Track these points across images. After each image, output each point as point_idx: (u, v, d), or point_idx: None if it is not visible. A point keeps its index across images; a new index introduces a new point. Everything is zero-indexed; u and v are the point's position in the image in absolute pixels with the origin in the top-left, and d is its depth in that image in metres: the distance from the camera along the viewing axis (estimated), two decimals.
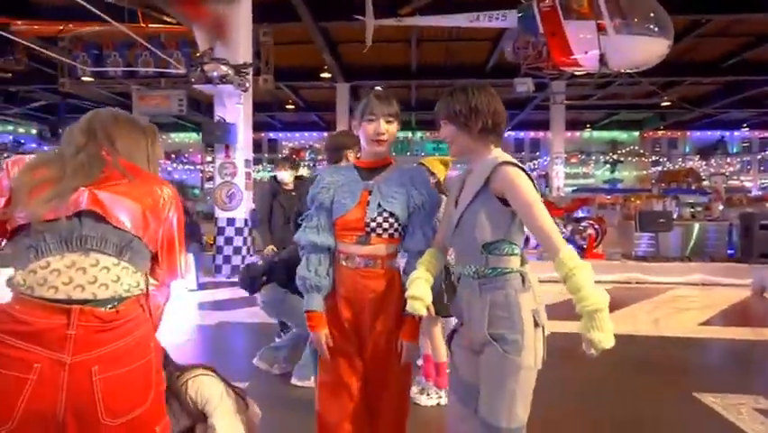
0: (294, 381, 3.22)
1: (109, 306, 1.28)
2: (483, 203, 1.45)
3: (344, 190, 1.70)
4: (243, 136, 7.38)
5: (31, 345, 1.21)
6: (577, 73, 8.26)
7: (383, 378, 1.68)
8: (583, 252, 7.82)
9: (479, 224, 1.45)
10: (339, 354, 1.69)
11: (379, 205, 1.65)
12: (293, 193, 4.09)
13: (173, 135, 17.29)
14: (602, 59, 6.56)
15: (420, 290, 1.54)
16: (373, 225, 1.64)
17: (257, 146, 16.72)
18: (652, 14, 6.40)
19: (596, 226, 7.85)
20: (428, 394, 2.98)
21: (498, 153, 1.51)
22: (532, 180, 1.43)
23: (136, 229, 1.34)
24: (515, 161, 1.46)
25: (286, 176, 4.16)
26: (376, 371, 1.69)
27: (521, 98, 11.65)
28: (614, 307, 6.73)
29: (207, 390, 1.75)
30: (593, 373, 3.57)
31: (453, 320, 1.75)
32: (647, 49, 6.53)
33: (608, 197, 12.43)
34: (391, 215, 1.65)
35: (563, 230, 8.10)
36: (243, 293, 3.41)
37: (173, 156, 16.63)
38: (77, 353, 1.22)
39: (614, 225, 8.92)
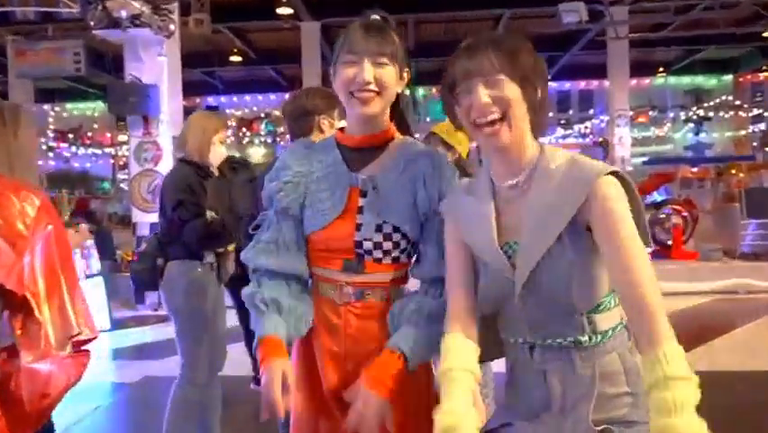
0: None
1: None
2: (575, 243, 1.30)
3: (322, 188, 1.59)
4: (170, 103, 7.27)
5: None
6: None
7: None
8: (668, 250, 7.73)
9: (577, 280, 1.31)
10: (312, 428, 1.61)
11: (378, 215, 1.54)
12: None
13: (69, 106, 17.02)
14: None
15: (456, 405, 1.33)
16: (368, 245, 1.54)
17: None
18: None
19: (683, 213, 7.84)
20: None
21: (552, 149, 1.39)
22: (634, 194, 1.35)
23: None
24: (619, 169, 1.33)
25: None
26: None
27: (564, 33, 11.51)
28: (718, 329, 6.66)
29: None
30: None
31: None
32: None
33: (694, 169, 12.43)
34: (396, 230, 1.54)
35: None
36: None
37: (71, 136, 16.36)
38: None
39: (707, 209, 8.89)
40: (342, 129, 1.67)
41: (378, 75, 1.49)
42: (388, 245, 1.54)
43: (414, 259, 1.62)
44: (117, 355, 5.70)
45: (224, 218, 2.93)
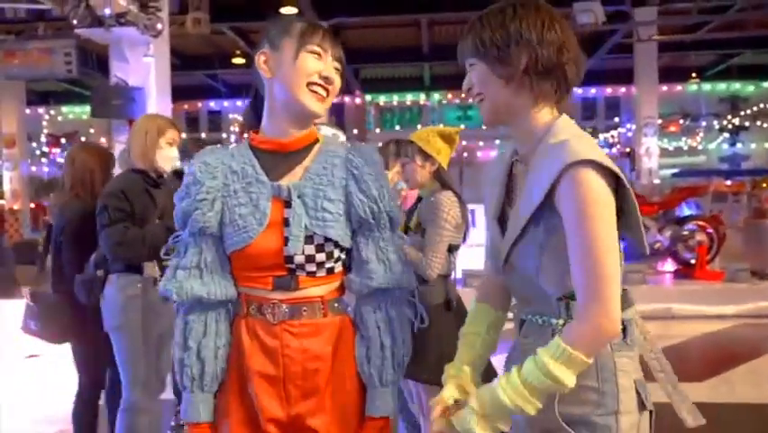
0: None
1: None
2: (550, 228, 1.35)
3: (241, 202, 1.55)
4: (158, 106, 7.26)
5: None
6: None
7: None
8: (691, 269, 7.63)
9: (544, 265, 1.36)
10: None
11: (306, 228, 1.52)
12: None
13: (65, 110, 17.27)
14: None
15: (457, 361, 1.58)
16: (300, 259, 1.53)
17: (192, 122, 16.79)
18: None
19: (708, 230, 7.78)
20: None
21: (564, 124, 1.40)
22: (626, 192, 1.34)
23: None
24: (598, 155, 1.30)
25: None
26: None
27: (588, 36, 11.43)
28: (740, 357, 6.55)
29: None
30: None
31: None
32: None
33: (729, 182, 12.32)
34: (327, 241, 1.53)
35: (658, 237, 7.91)
36: None
37: (63, 141, 16.53)
38: None
39: (737, 225, 8.79)
40: (257, 131, 1.62)
41: (335, 77, 1.55)
42: (321, 257, 1.53)
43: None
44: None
45: (148, 228, 2.86)
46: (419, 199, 2.98)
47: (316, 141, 1.61)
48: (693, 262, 7.80)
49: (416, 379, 2.82)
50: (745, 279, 7.75)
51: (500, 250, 1.45)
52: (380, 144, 3.15)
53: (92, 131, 16.94)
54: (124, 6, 6.66)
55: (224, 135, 16.50)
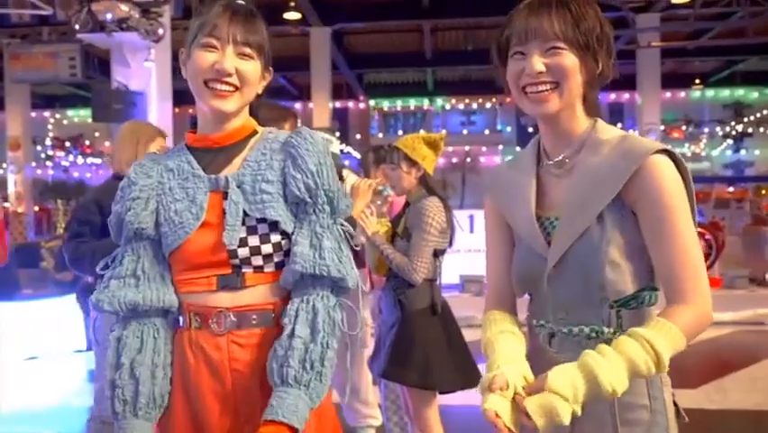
0: None
1: None
2: (616, 226, 1.30)
3: (176, 198, 1.47)
4: (158, 111, 7.30)
5: None
6: None
7: None
8: None
9: (610, 264, 1.29)
10: None
11: (246, 214, 1.42)
12: None
13: (70, 113, 17.30)
14: None
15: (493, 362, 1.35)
16: (244, 252, 1.42)
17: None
18: None
19: (707, 237, 7.79)
20: None
21: (605, 126, 1.38)
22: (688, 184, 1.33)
23: None
24: (670, 147, 1.31)
25: None
26: None
27: None
28: (735, 364, 6.55)
29: None
30: None
31: None
32: None
33: (731, 189, 12.33)
34: (272, 227, 1.43)
35: None
36: None
37: (67, 144, 16.59)
38: None
39: (738, 232, 8.82)
40: (193, 131, 1.55)
41: (240, 67, 1.42)
42: (267, 249, 1.43)
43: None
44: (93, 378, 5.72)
45: (98, 244, 2.74)
46: (407, 205, 3.03)
47: (254, 132, 1.53)
48: None
49: (403, 382, 2.87)
50: (744, 285, 7.81)
51: (541, 255, 1.37)
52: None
53: (97, 134, 17.00)
54: (126, 12, 6.70)
55: None
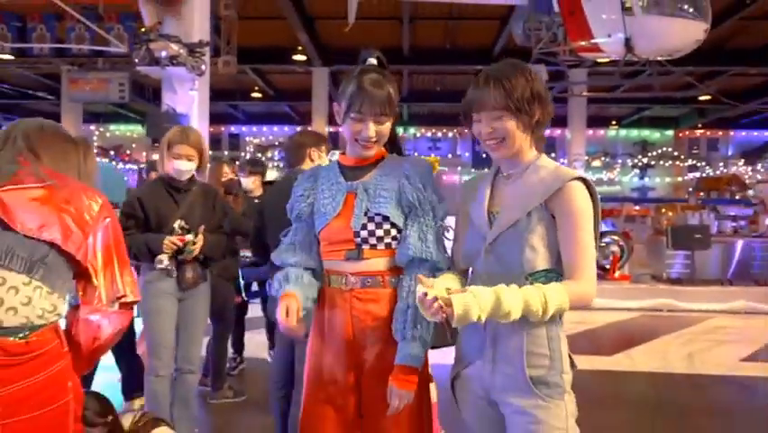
0: None
1: (19, 335, 1.29)
2: (539, 222, 1.44)
3: (325, 196, 1.69)
4: (199, 129, 7.39)
5: None
6: (600, 60, 8.37)
7: None
8: (606, 273, 7.92)
9: (530, 247, 1.42)
10: (327, 411, 1.64)
11: (367, 209, 1.62)
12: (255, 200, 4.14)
13: (113, 128, 17.21)
14: (628, 44, 6.69)
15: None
16: (364, 234, 1.62)
17: (215, 142, 16.78)
18: None
19: (620, 243, 8.00)
20: None
21: (547, 160, 1.52)
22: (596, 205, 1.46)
23: (50, 235, 1.35)
24: (587, 177, 1.47)
25: (248, 183, 4.35)
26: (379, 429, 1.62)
27: None
28: (641, 339, 6.80)
29: None
30: (612, 417, 3.65)
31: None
32: (680, 32, 6.69)
33: (637, 207, 12.62)
34: (385, 219, 1.61)
35: None
36: None
37: (111, 153, 16.49)
38: None
39: (643, 241, 9.07)
40: (343, 153, 1.77)
41: (378, 130, 1.62)
42: (380, 233, 1.61)
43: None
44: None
45: (134, 238, 2.67)
46: None
47: (383, 156, 1.71)
48: (608, 267, 8.00)
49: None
50: (647, 281, 8.05)
51: (483, 235, 1.49)
52: None
53: (134, 146, 16.94)
54: (176, 51, 6.82)
55: (242, 154, 16.53)
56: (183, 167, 2.74)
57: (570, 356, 1.48)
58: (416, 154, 16.19)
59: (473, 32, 11.22)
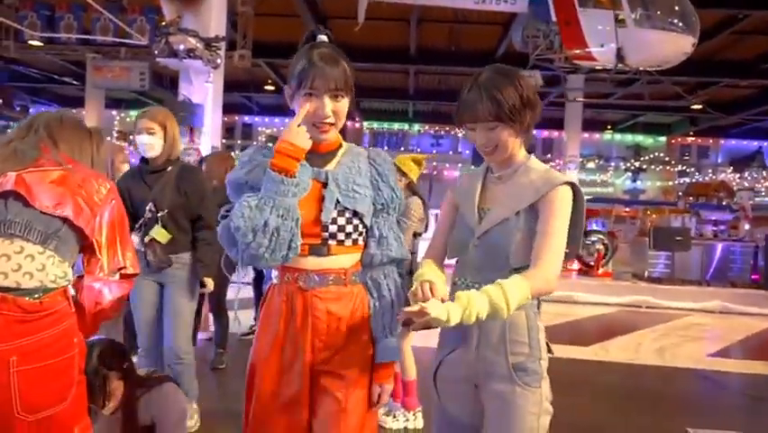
0: None
1: (34, 296, 1.43)
2: (527, 222, 1.45)
3: None
4: (212, 119, 7.48)
5: None
6: (596, 67, 8.44)
7: None
8: (590, 269, 8.02)
9: (516, 243, 1.44)
10: (277, 413, 1.46)
11: (338, 202, 1.45)
12: None
13: (133, 113, 17.21)
14: (619, 54, 6.77)
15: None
16: (333, 228, 1.44)
17: (230, 131, 16.87)
18: (676, 8, 6.63)
19: (605, 242, 8.07)
20: (395, 416, 3.15)
21: (536, 161, 1.53)
22: (580, 205, 1.48)
23: (63, 212, 1.50)
24: (575, 182, 1.49)
25: None
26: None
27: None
28: (618, 332, 6.90)
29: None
30: (584, 404, 3.74)
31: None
32: (669, 45, 6.76)
33: (627, 209, 12.63)
34: (355, 214, 1.46)
35: None
36: None
37: (130, 137, 16.60)
38: None
39: (628, 241, 9.13)
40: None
41: (335, 108, 1.44)
42: (349, 228, 1.46)
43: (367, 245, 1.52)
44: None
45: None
46: None
47: (341, 145, 1.55)
48: (592, 263, 8.13)
49: None
50: (628, 279, 8.14)
51: (472, 229, 1.50)
52: None
53: None
54: (194, 44, 6.91)
55: (254, 143, 16.56)
56: (144, 140, 2.69)
57: (547, 343, 1.50)
58: (418, 150, 16.29)
59: (477, 36, 11.25)
